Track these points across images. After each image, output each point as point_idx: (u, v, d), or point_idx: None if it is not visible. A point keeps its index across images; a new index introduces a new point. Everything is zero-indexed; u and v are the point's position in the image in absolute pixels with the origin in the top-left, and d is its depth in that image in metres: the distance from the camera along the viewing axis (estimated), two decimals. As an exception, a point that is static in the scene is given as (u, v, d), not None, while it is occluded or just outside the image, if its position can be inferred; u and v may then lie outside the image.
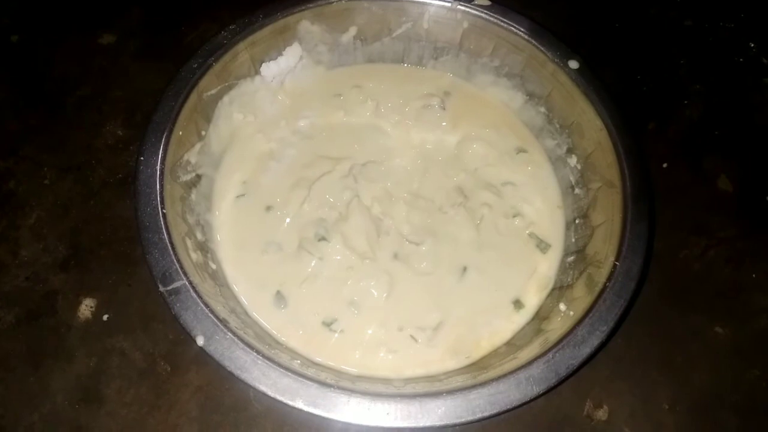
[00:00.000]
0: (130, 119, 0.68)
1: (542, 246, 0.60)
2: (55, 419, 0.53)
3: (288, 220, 0.59)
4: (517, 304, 0.57)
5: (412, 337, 0.54)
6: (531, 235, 0.61)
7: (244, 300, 0.55)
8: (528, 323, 0.56)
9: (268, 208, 0.60)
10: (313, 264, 0.57)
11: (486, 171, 0.64)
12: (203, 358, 0.55)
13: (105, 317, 0.57)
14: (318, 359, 0.52)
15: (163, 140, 0.53)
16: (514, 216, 0.61)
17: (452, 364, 0.53)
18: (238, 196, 0.61)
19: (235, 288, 0.56)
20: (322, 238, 0.58)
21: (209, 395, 0.55)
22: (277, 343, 0.52)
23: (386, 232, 0.59)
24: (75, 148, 0.66)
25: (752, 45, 0.79)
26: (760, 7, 0.82)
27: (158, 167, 0.51)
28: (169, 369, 0.55)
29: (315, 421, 0.53)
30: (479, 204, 0.61)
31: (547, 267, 0.59)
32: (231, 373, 0.45)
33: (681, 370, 0.59)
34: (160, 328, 0.57)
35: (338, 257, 0.57)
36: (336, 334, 0.54)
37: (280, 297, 0.55)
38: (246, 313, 0.54)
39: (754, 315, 0.62)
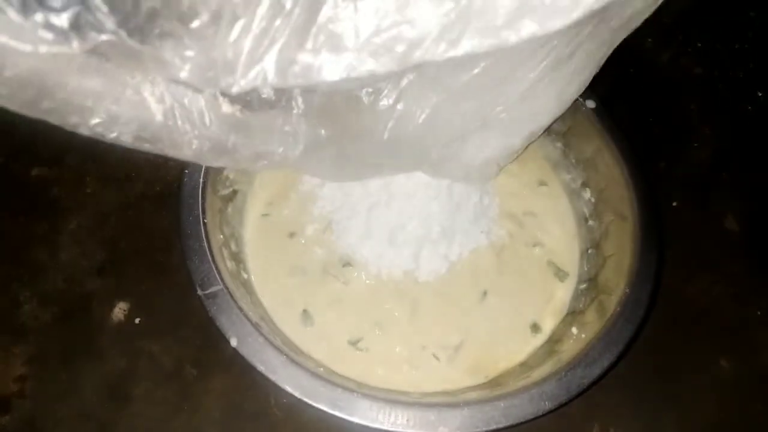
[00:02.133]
0: (168, 137, 0.72)
1: (560, 274, 0.63)
2: (84, 415, 0.55)
3: (311, 248, 0.61)
4: (535, 327, 0.59)
5: (434, 355, 0.57)
6: (549, 263, 0.63)
7: (271, 313, 0.57)
8: (542, 345, 0.58)
9: (291, 235, 0.62)
10: (338, 287, 0.59)
11: (509, 202, 0.66)
12: (228, 365, 0.58)
13: (137, 321, 0.60)
14: (341, 371, 0.54)
15: (206, 155, 0.56)
16: (534, 245, 0.64)
17: (470, 382, 0.55)
18: (263, 215, 0.63)
19: (263, 301, 0.58)
20: (347, 264, 0.60)
21: (232, 401, 0.57)
22: (302, 353, 0.54)
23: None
24: (116, 160, 0.69)
25: (760, 94, 0.83)
26: (768, 59, 0.86)
27: (201, 180, 0.55)
28: (195, 373, 0.58)
29: (332, 430, 0.55)
30: (501, 232, 0.64)
31: (563, 293, 0.61)
32: (258, 376, 0.47)
33: (687, 400, 0.61)
34: (188, 335, 0.59)
35: (365, 281, 0.59)
36: (361, 352, 0.56)
37: (306, 315, 0.58)
38: (273, 323, 0.56)
39: (758, 350, 0.65)
